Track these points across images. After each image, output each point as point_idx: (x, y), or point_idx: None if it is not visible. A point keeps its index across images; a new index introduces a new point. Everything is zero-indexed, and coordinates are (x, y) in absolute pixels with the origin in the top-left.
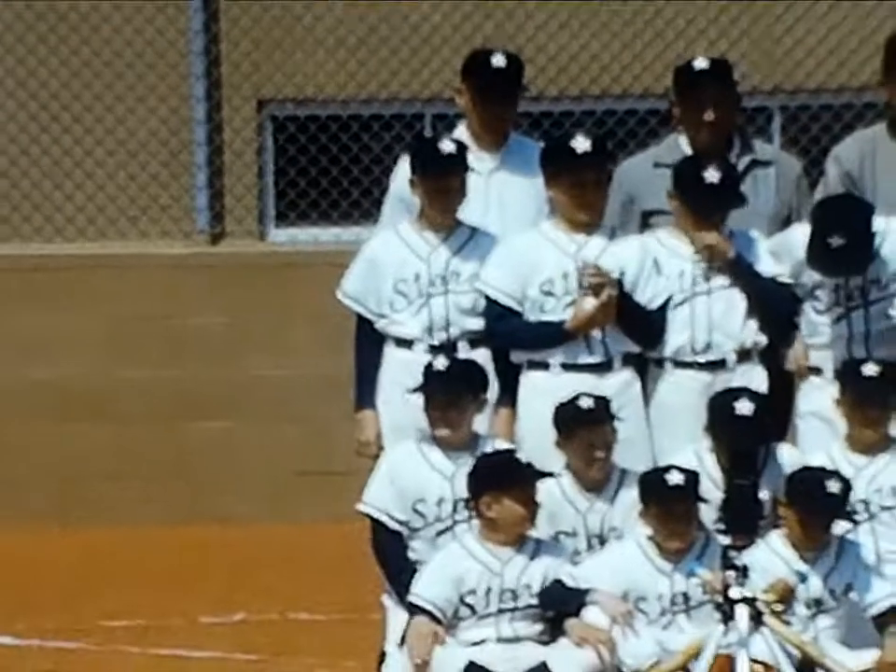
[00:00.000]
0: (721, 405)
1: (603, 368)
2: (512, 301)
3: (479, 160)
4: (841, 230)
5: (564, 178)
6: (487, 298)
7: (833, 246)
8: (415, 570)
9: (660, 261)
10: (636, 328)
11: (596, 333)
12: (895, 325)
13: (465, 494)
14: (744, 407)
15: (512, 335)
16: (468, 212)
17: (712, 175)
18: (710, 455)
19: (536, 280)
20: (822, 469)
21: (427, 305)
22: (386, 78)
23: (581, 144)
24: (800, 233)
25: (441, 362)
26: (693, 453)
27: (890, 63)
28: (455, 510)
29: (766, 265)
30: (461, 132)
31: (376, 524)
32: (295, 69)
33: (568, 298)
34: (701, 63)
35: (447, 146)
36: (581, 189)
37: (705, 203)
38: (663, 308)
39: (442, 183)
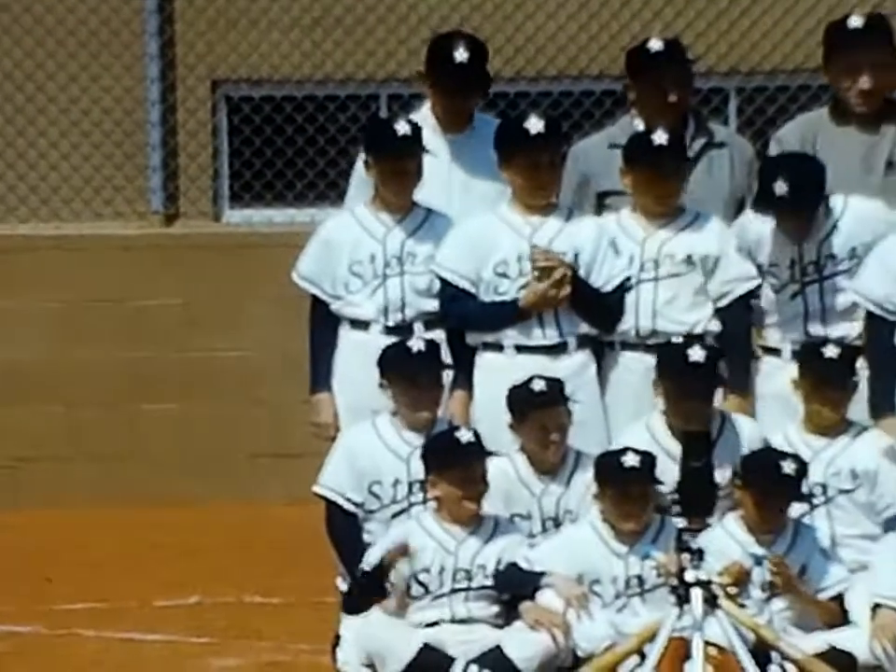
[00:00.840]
0: (672, 353)
1: (557, 350)
2: (467, 283)
3: (443, 140)
4: (788, 176)
5: (518, 159)
6: (441, 279)
7: (779, 193)
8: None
9: (618, 242)
10: (590, 311)
11: (550, 315)
12: (850, 301)
13: (421, 475)
14: (696, 353)
15: (466, 316)
16: (432, 193)
17: (660, 136)
18: (662, 425)
19: (490, 262)
20: (777, 451)
21: (383, 286)
22: (342, 59)
23: (535, 125)
24: (753, 214)
25: (418, 343)
26: (644, 425)
27: (829, 50)
28: (410, 491)
29: (711, 245)
30: (424, 112)
31: (331, 505)
32: (250, 49)
33: (522, 280)
34: (656, 45)
35: (402, 127)
36: (535, 171)
37: (654, 162)
38: (621, 289)
39: (398, 165)
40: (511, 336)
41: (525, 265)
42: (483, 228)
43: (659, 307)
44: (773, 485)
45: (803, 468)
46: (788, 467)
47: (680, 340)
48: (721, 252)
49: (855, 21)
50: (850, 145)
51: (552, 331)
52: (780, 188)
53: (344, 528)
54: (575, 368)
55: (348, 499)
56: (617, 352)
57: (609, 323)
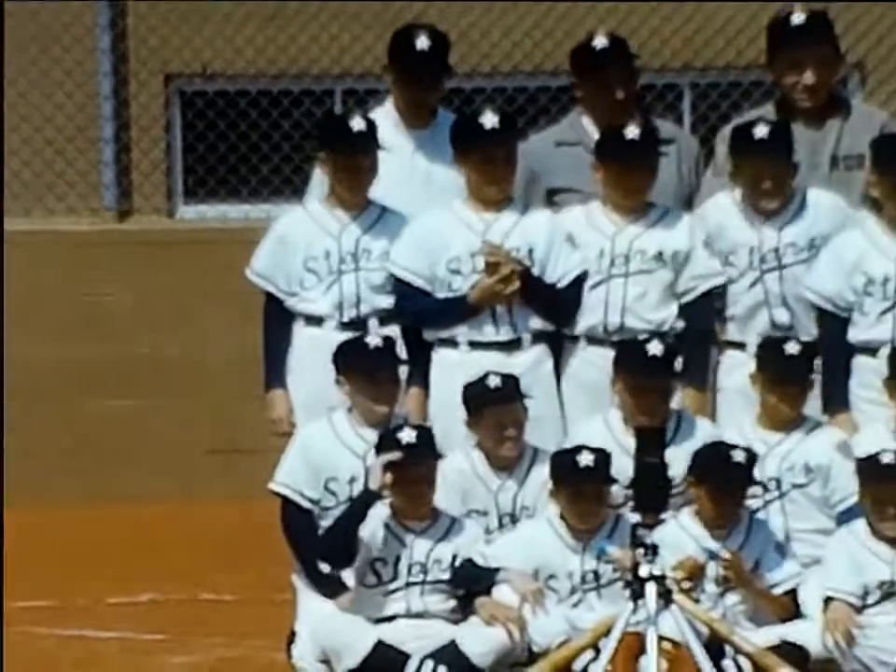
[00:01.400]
0: (630, 348)
1: (512, 346)
2: (420, 280)
3: (407, 135)
4: (767, 122)
5: (473, 154)
6: (395, 277)
7: (759, 136)
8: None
9: (577, 236)
10: (543, 306)
11: (504, 311)
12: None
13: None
14: (654, 347)
15: (419, 313)
16: (395, 188)
17: (632, 131)
18: (619, 421)
19: (443, 258)
20: (727, 444)
21: (338, 283)
22: (296, 54)
23: (490, 119)
24: (711, 203)
25: (375, 339)
26: (601, 421)
27: (773, 46)
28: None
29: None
30: (388, 108)
31: (287, 502)
32: (203, 44)
33: (476, 276)
34: (601, 42)
35: (357, 123)
36: (489, 165)
37: (625, 157)
38: (577, 284)
39: (352, 161)
40: (465, 332)
41: (479, 262)
42: (436, 225)
43: (629, 303)
44: (725, 476)
45: (752, 456)
46: (737, 455)
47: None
48: (690, 248)
49: (797, 18)
50: (796, 140)
51: (506, 327)
52: (760, 130)
53: (300, 525)
54: (530, 363)
55: (304, 496)
56: (582, 346)
57: (563, 318)
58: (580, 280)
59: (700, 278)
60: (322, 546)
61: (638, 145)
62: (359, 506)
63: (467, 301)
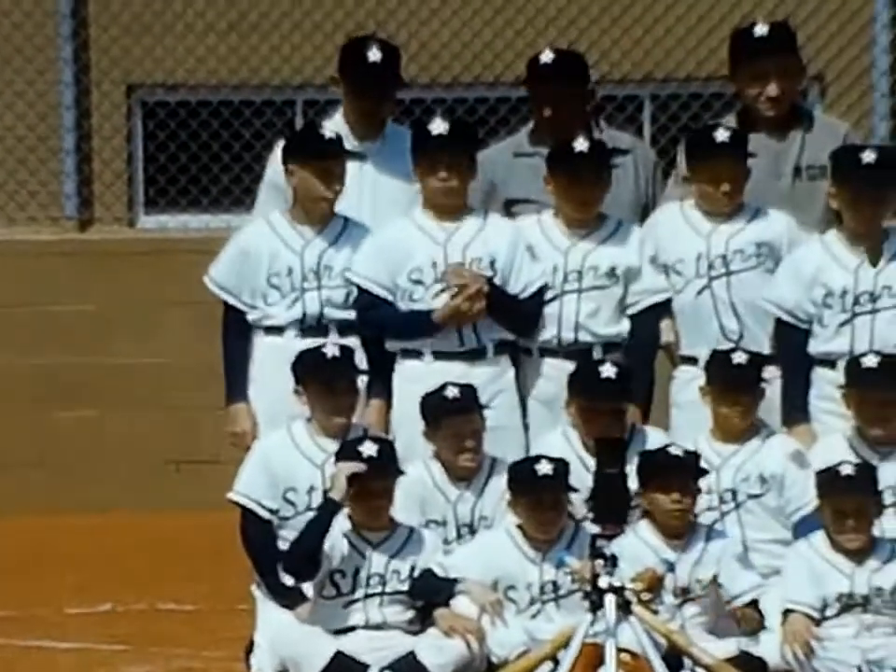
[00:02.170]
0: (583, 371)
1: (475, 356)
2: (382, 290)
3: (355, 148)
4: (728, 127)
5: (423, 161)
6: (357, 287)
7: (718, 140)
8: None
9: (540, 249)
10: (507, 318)
11: (466, 327)
12: (758, 301)
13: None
14: (607, 370)
15: (383, 325)
16: (342, 199)
17: (580, 143)
18: (577, 435)
19: (405, 268)
20: (662, 448)
21: (301, 300)
22: (257, 64)
23: (437, 126)
24: (660, 211)
25: (333, 349)
26: (560, 433)
27: (736, 57)
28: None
29: (632, 257)
30: (337, 119)
31: (246, 512)
32: (165, 54)
33: (437, 286)
34: (545, 58)
35: (328, 131)
36: (438, 172)
37: (574, 169)
38: (539, 294)
39: (324, 167)
40: (429, 343)
41: (440, 271)
42: (397, 234)
43: (582, 319)
44: (665, 468)
45: (695, 454)
46: (675, 449)
47: (593, 356)
48: (639, 262)
49: (760, 29)
50: (759, 151)
51: (469, 338)
52: (721, 134)
53: (259, 535)
54: (493, 374)
55: (263, 506)
56: (536, 358)
57: (527, 329)
58: (541, 291)
59: (644, 293)
60: (287, 558)
61: (587, 157)
62: (323, 517)
63: (432, 318)
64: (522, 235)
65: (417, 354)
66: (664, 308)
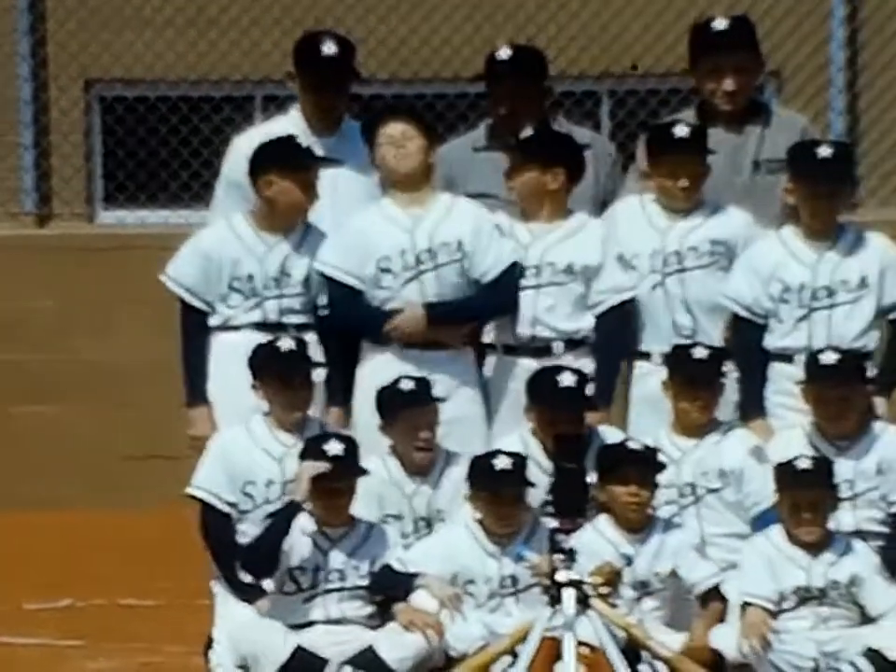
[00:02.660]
0: (542, 380)
1: (440, 346)
2: (352, 279)
3: (312, 144)
4: (685, 125)
5: (380, 137)
6: (326, 277)
7: (678, 136)
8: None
9: (504, 228)
10: (466, 320)
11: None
12: (713, 297)
13: (292, 476)
14: (566, 379)
15: (348, 323)
16: None
17: (526, 131)
18: (534, 440)
19: (373, 257)
20: (621, 442)
21: (261, 307)
22: (216, 60)
23: (389, 110)
24: (619, 206)
25: (287, 343)
26: (518, 437)
27: (695, 51)
28: (283, 492)
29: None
30: (294, 115)
31: (205, 506)
32: (123, 49)
33: (407, 274)
34: (502, 54)
35: (302, 140)
36: (392, 148)
37: (521, 151)
38: (511, 270)
39: (306, 177)
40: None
41: (409, 259)
42: (363, 224)
43: (538, 314)
44: (623, 461)
45: (652, 449)
46: (634, 444)
47: (553, 351)
48: (601, 262)
49: (719, 24)
50: (717, 145)
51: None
52: (681, 129)
53: (219, 529)
54: (456, 366)
55: (222, 500)
56: (499, 354)
57: (502, 311)
58: (514, 267)
59: (609, 292)
60: (246, 557)
61: (534, 139)
62: (283, 517)
63: (384, 329)
64: (487, 216)
65: (384, 343)
66: (629, 306)
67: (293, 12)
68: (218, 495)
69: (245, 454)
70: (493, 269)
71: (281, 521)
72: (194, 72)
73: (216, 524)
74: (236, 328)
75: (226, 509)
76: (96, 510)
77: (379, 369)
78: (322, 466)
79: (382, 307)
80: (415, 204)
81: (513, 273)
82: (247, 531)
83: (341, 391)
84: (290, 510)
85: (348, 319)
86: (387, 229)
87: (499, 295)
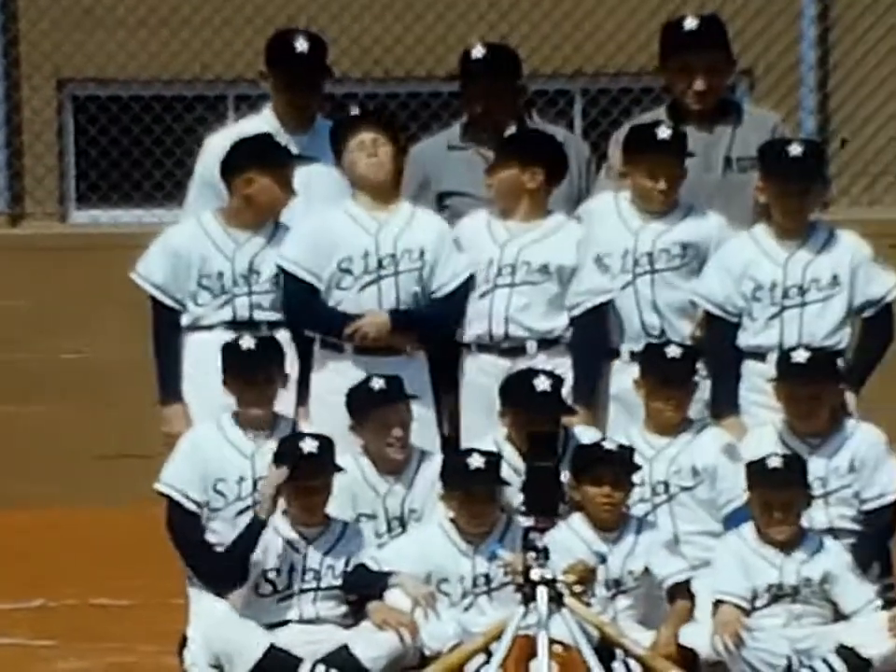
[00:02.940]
0: (517, 383)
1: (391, 351)
2: (312, 277)
3: (286, 141)
4: (669, 126)
5: (351, 141)
6: (286, 272)
7: (661, 137)
8: (211, 550)
9: (473, 240)
10: (426, 328)
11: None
12: (683, 299)
13: (264, 473)
14: (542, 383)
15: (300, 314)
16: None
17: (510, 129)
18: (508, 444)
19: (334, 257)
20: (596, 442)
21: (231, 304)
22: (189, 59)
23: (352, 110)
24: (592, 202)
25: (248, 342)
26: (492, 441)
27: (665, 51)
28: (255, 488)
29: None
30: (267, 114)
31: (172, 503)
32: (96, 49)
33: (367, 277)
34: (476, 53)
35: (279, 138)
36: (362, 150)
37: (501, 149)
38: (465, 286)
39: (285, 174)
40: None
41: (371, 262)
42: (328, 223)
43: (512, 313)
44: (598, 461)
45: (627, 449)
46: (609, 444)
47: (527, 351)
48: (578, 263)
49: (690, 23)
50: (689, 144)
51: None
52: (663, 132)
53: (185, 526)
54: (409, 369)
55: (189, 497)
56: (473, 354)
57: (450, 325)
58: (467, 282)
59: (587, 293)
60: (214, 569)
61: (514, 137)
62: (251, 533)
63: (344, 331)
64: (448, 228)
65: (339, 349)
66: (607, 308)
67: (265, 11)
68: (185, 493)
69: (215, 451)
70: (450, 282)
71: (247, 538)
72: (167, 71)
73: (182, 521)
74: (208, 327)
75: (192, 507)
76: (70, 509)
77: (332, 374)
78: (283, 473)
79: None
80: (381, 209)
81: (467, 287)
82: (219, 530)
83: (308, 390)
84: (255, 526)
85: (302, 316)
86: (352, 230)
87: (453, 308)
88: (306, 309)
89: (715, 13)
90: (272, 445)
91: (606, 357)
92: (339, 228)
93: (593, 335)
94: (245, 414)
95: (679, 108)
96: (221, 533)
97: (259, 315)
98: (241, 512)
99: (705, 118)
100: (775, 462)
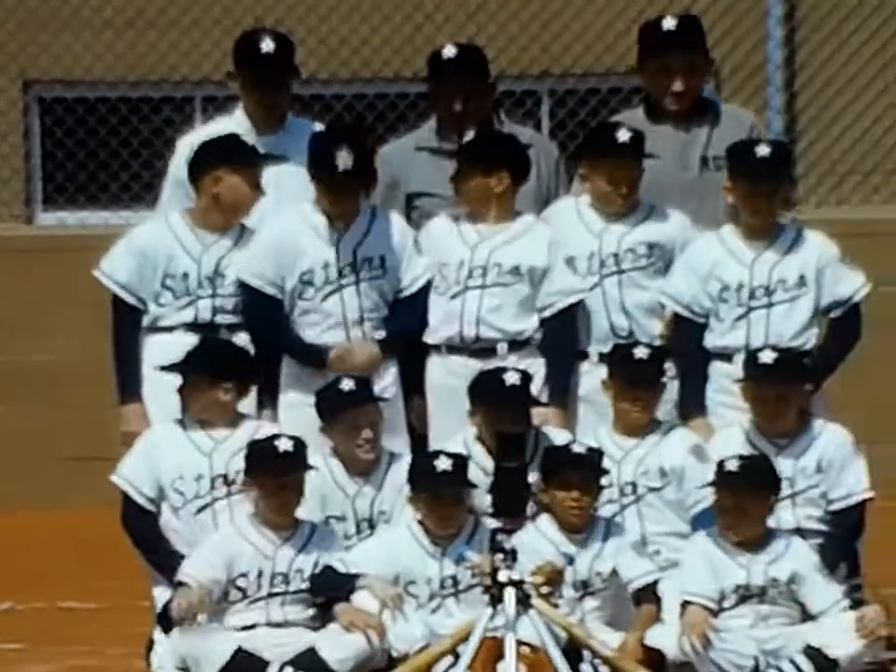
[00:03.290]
0: (486, 381)
1: None
2: (272, 289)
3: (256, 142)
4: (627, 129)
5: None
6: (245, 285)
7: (619, 141)
8: (165, 543)
9: (443, 243)
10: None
11: (355, 322)
12: (651, 298)
13: (222, 470)
14: (511, 377)
15: (263, 331)
16: None
17: (468, 135)
18: (478, 444)
19: (295, 269)
20: (569, 444)
21: (194, 306)
22: (155, 60)
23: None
24: (555, 207)
25: (185, 342)
26: (461, 441)
27: (643, 50)
28: (212, 486)
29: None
30: (238, 115)
31: (128, 499)
32: (62, 50)
33: (328, 288)
34: (448, 52)
35: (247, 138)
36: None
37: (464, 156)
38: (426, 288)
39: (254, 173)
40: (316, 342)
41: (331, 272)
42: (287, 234)
43: (483, 314)
44: (567, 466)
45: (599, 451)
46: (578, 447)
47: (497, 353)
48: (549, 264)
49: (668, 23)
50: (665, 142)
51: (357, 335)
52: (623, 134)
53: (137, 520)
54: (379, 370)
55: (141, 493)
56: (444, 355)
57: (416, 327)
58: (428, 285)
59: (557, 294)
60: (166, 564)
61: (475, 144)
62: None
63: (321, 356)
64: (408, 230)
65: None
66: (578, 309)
67: (233, 13)
68: (139, 487)
69: (174, 449)
70: (411, 286)
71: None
72: (133, 73)
73: (134, 515)
74: (168, 328)
75: (144, 503)
76: (36, 512)
77: (299, 381)
78: (192, 605)
79: (300, 319)
80: (339, 216)
81: (427, 290)
82: (180, 529)
83: (270, 395)
84: (163, 623)
85: (265, 334)
86: (312, 241)
87: (416, 311)
88: (273, 330)
89: (691, 13)
90: (231, 443)
91: (575, 359)
92: (298, 238)
93: (565, 336)
94: (205, 418)
95: (655, 107)
96: (182, 532)
97: (221, 319)
98: (200, 510)
99: (682, 117)
100: (731, 465)
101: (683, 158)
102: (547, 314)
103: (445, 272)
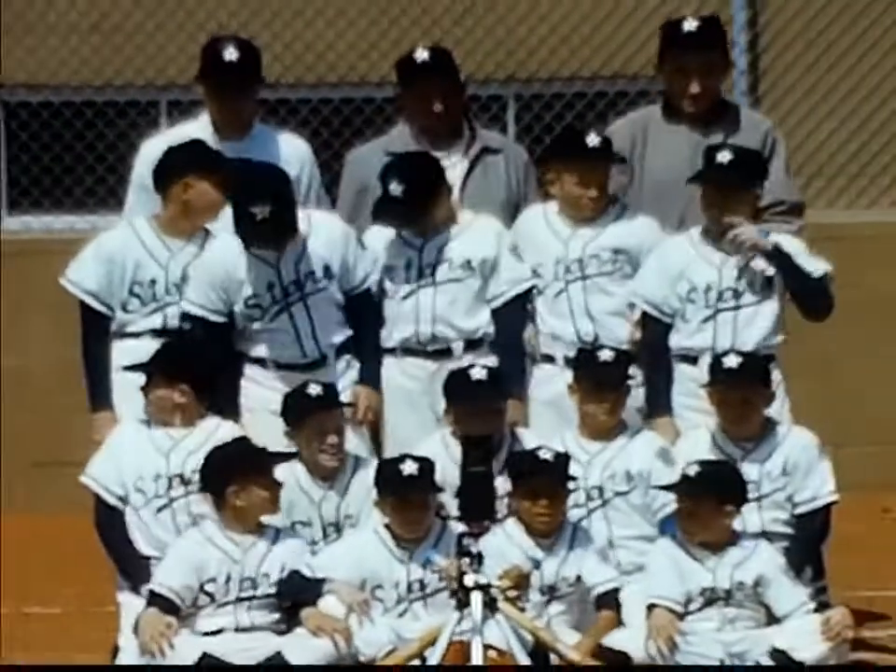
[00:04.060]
0: (455, 378)
1: (317, 365)
2: (217, 317)
3: (222, 147)
4: (596, 134)
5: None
6: (191, 316)
7: (590, 145)
8: (131, 547)
9: (388, 246)
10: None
11: (307, 332)
12: (618, 303)
13: (179, 470)
14: (477, 373)
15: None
16: None
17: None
18: (455, 441)
19: (241, 295)
20: (537, 448)
21: (162, 312)
22: (121, 65)
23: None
24: (522, 216)
25: (151, 345)
26: (439, 439)
27: (663, 50)
28: (170, 485)
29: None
30: (204, 120)
31: (98, 501)
32: (26, 54)
33: (276, 308)
34: (422, 55)
35: (211, 144)
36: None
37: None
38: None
39: (222, 178)
40: (272, 357)
41: (277, 293)
42: (227, 263)
43: (438, 312)
44: (534, 473)
45: (565, 455)
46: (545, 453)
47: (453, 353)
48: (498, 254)
49: (688, 25)
50: (679, 143)
51: (311, 349)
52: (593, 139)
53: (108, 520)
54: (337, 376)
55: (109, 491)
56: (399, 357)
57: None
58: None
59: (507, 284)
60: (132, 569)
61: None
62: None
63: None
64: (348, 229)
65: (261, 362)
66: (527, 298)
67: (197, 17)
68: (106, 486)
69: (135, 449)
70: (362, 284)
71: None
72: (98, 77)
73: (105, 516)
74: (135, 334)
75: (113, 501)
76: (3, 516)
77: (261, 387)
78: (161, 641)
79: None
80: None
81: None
82: (143, 531)
83: (233, 405)
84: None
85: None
86: (252, 266)
87: (372, 308)
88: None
89: (713, 14)
90: (188, 442)
91: (537, 362)
92: (239, 264)
93: (516, 326)
94: (169, 420)
95: (673, 107)
96: (144, 533)
97: (189, 325)
98: (160, 510)
99: (699, 119)
100: (690, 470)
101: (694, 160)
102: (498, 303)
103: (393, 274)
